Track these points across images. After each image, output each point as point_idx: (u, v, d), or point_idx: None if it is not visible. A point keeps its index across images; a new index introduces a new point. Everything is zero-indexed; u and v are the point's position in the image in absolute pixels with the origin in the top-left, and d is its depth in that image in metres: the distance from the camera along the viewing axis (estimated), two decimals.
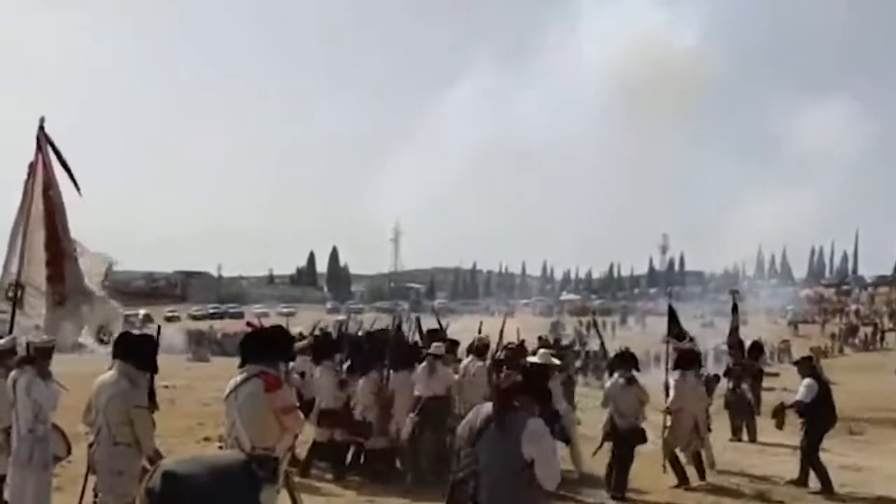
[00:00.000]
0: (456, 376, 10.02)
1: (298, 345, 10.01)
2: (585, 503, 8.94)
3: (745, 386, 14.34)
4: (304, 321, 24.34)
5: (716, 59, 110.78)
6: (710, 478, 10.18)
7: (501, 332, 11.27)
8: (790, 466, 10.51)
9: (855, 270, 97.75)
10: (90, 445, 5.89)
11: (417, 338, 12.28)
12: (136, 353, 5.94)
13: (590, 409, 11.80)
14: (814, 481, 9.86)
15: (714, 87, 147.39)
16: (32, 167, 7.60)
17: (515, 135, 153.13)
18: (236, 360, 5.14)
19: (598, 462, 9.60)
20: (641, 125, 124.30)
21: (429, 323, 13.55)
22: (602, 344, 13.72)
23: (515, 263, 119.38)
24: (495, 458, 4.19)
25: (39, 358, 6.47)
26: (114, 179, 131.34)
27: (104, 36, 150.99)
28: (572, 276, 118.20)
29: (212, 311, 66.21)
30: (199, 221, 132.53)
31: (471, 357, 10.18)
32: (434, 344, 10.26)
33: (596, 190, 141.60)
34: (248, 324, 6.21)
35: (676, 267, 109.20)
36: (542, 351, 9.03)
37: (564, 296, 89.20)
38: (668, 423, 10.21)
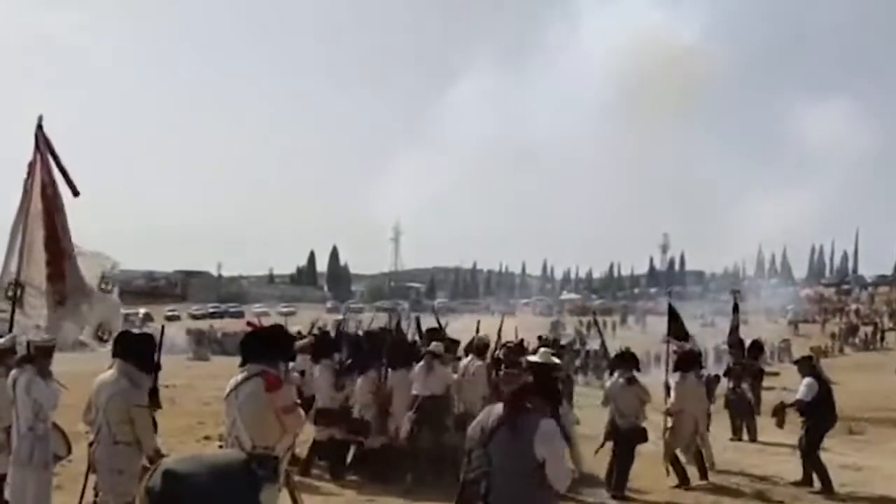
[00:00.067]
0: (455, 375, 10.02)
1: (298, 343, 10.01)
2: (586, 502, 8.94)
3: (745, 385, 14.35)
4: (304, 321, 24.37)
5: (716, 59, 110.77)
6: (711, 477, 10.18)
7: (499, 331, 11.28)
8: (790, 466, 10.52)
9: (855, 270, 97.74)
10: (90, 444, 5.89)
11: (417, 337, 12.29)
12: (136, 351, 5.95)
13: (589, 408, 11.80)
14: (814, 481, 9.87)
15: (714, 87, 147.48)
16: (32, 166, 7.60)
17: (516, 134, 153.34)
18: (236, 360, 5.14)
19: (598, 462, 9.60)
20: (642, 125, 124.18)
21: (429, 322, 13.54)
22: (603, 343, 13.70)
23: (515, 263, 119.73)
24: (507, 458, 4.19)
25: (40, 357, 6.47)
26: (114, 179, 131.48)
27: (104, 36, 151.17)
28: (572, 275, 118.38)
29: (212, 310, 66.19)
30: (199, 221, 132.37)
31: (470, 356, 10.18)
32: (433, 343, 10.26)
33: (596, 189, 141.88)
34: (249, 323, 6.21)
35: (677, 266, 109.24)
36: (542, 350, 9.04)
37: (565, 295, 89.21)
38: (669, 425, 10.21)
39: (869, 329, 47.88)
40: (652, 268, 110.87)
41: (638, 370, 9.95)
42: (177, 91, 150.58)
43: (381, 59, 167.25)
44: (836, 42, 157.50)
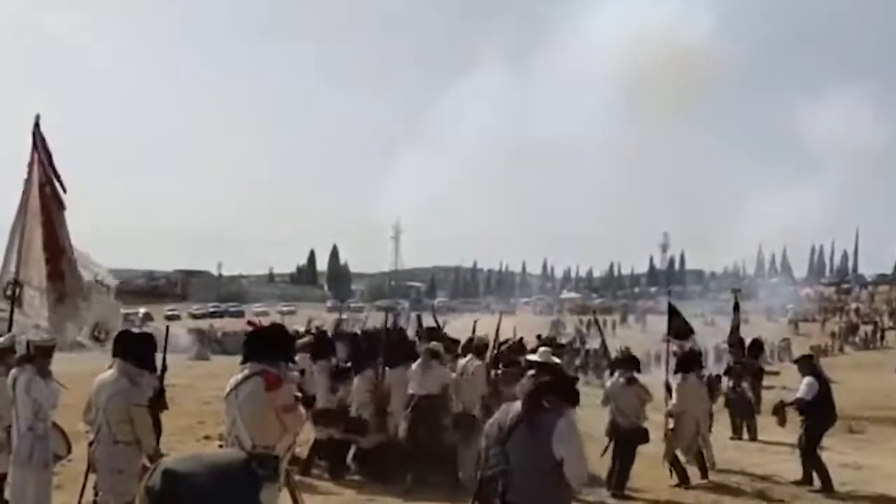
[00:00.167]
0: (454, 375, 10.00)
1: (298, 342, 10.00)
2: (586, 501, 8.93)
3: (745, 384, 14.35)
4: (304, 320, 24.37)
5: (716, 59, 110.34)
6: (711, 476, 10.18)
7: (497, 330, 11.28)
8: (790, 465, 10.52)
9: (855, 269, 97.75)
10: (90, 444, 5.89)
11: (417, 336, 12.27)
12: (136, 351, 5.95)
13: (589, 407, 11.78)
14: (814, 480, 9.87)
15: (714, 87, 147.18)
16: (30, 165, 7.61)
17: (516, 133, 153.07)
18: (237, 359, 5.15)
19: (598, 461, 9.60)
20: (642, 124, 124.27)
21: (430, 321, 13.53)
22: (603, 342, 13.71)
23: (516, 262, 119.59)
24: (525, 456, 4.21)
25: (40, 356, 6.47)
26: (114, 179, 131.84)
27: (104, 36, 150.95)
28: (573, 274, 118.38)
29: (212, 309, 66.25)
30: (199, 221, 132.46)
31: (469, 356, 10.16)
32: (432, 342, 10.25)
33: (596, 188, 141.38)
34: (249, 322, 6.21)
35: (677, 265, 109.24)
36: (541, 349, 9.03)
37: (565, 294, 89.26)
38: (671, 426, 10.21)
39: (869, 328, 47.90)
40: (652, 267, 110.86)
41: (638, 371, 9.95)
42: (177, 91, 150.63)
43: (381, 59, 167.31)
44: (836, 42, 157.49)
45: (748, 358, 15.11)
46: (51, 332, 7.19)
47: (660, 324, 22.51)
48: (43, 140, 7.59)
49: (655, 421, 10.25)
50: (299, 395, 5.10)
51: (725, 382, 14.26)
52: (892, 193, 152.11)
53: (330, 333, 12.86)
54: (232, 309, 67.13)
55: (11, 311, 7.39)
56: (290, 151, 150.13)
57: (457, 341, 11.37)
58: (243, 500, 2.04)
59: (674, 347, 11.38)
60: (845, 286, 76.43)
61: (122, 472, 5.65)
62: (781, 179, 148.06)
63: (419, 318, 13.76)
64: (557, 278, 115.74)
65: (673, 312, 12.01)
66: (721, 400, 13.90)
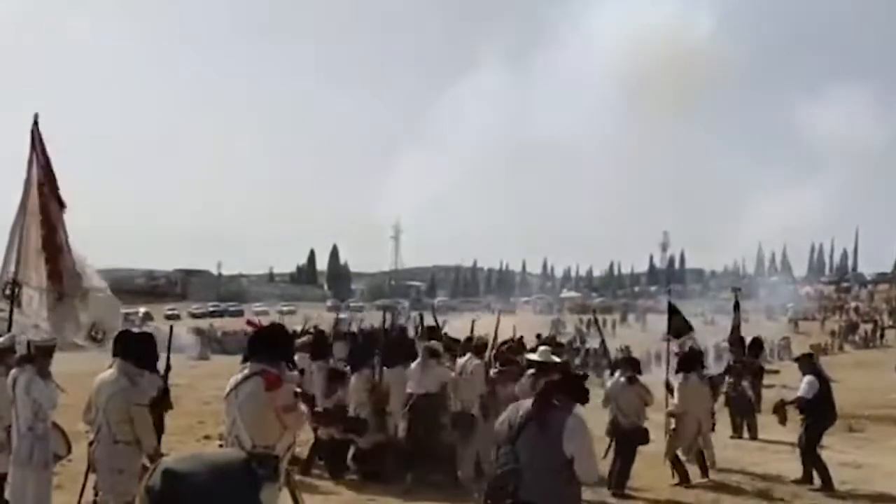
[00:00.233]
0: (453, 374, 10.00)
1: (297, 342, 10.00)
2: (586, 501, 8.91)
3: (745, 383, 14.35)
4: (303, 320, 24.32)
5: (716, 59, 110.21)
6: (711, 475, 10.18)
7: (496, 329, 11.27)
8: (791, 464, 10.52)
9: (855, 268, 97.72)
10: (90, 444, 5.89)
11: (416, 335, 12.26)
12: (136, 351, 5.95)
13: (588, 407, 11.78)
14: (814, 478, 9.87)
15: (714, 86, 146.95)
16: (29, 164, 7.61)
17: (516, 133, 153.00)
18: (237, 359, 5.15)
19: (599, 460, 9.59)
20: (642, 123, 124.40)
21: (430, 321, 13.53)
22: (603, 342, 13.74)
23: (516, 261, 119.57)
24: (536, 455, 4.22)
25: (40, 357, 6.47)
26: (114, 178, 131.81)
27: (104, 36, 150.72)
28: (573, 273, 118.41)
29: (212, 309, 66.31)
30: (199, 221, 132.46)
31: (468, 355, 10.17)
32: (431, 340, 10.25)
33: (596, 188, 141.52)
34: (248, 322, 6.22)
35: (677, 265, 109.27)
36: (541, 348, 9.04)
37: (565, 293, 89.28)
38: (672, 426, 10.21)
39: (869, 327, 47.89)
40: (652, 266, 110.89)
41: (639, 373, 9.94)
42: (177, 91, 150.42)
43: (381, 59, 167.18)
44: (836, 42, 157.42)
45: (748, 357, 15.11)
46: (50, 332, 7.19)
47: (660, 323, 22.52)
48: (41, 139, 7.59)
49: (655, 421, 10.25)
50: (299, 390, 5.10)
51: (726, 381, 14.26)
52: (892, 192, 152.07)
53: (331, 333, 12.84)
54: (232, 308, 67.18)
55: (11, 312, 7.39)
56: (290, 151, 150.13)
57: (457, 340, 11.37)
58: (243, 500, 2.03)
59: (674, 347, 11.39)
60: (845, 285, 76.44)
61: (122, 472, 5.65)
62: (781, 179, 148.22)
63: (420, 317, 13.74)
64: (557, 277, 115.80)
65: (673, 311, 12.02)
66: (721, 399, 13.92)
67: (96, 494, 5.92)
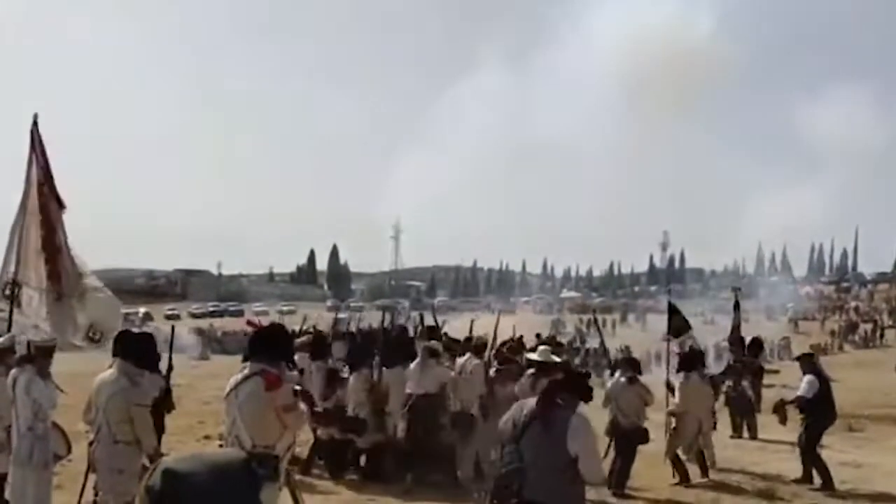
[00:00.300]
0: (452, 373, 9.99)
1: (297, 342, 9.99)
2: (587, 500, 8.93)
3: (745, 383, 14.35)
4: (301, 319, 24.32)
5: (716, 59, 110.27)
6: (711, 475, 10.18)
7: (496, 329, 11.27)
8: (791, 464, 10.52)
9: (855, 267, 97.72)
10: (90, 444, 5.89)
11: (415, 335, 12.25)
12: (136, 351, 5.95)
13: (588, 406, 11.78)
14: (814, 478, 9.87)
15: (714, 86, 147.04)
16: (29, 164, 7.61)
17: (516, 133, 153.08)
18: (237, 359, 5.16)
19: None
20: (642, 123, 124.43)
21: (431, 321, 13.52)
22: (602, 342, 13.78)
23: (516, 261, 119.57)
24: (540, 454, 4.23)
25: (40, 357, 6.47)
26: (114, 178, 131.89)
27: (104, 36, 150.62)
28: (573, 273, 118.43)
29: (212, 309, 66.29)
30: (199, 221, 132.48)
31: (468, 355, 10.17)
32: (431, 340, 10.25)
33: (596, 187, 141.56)
34: (249, 322, 6.22)
35: (677, 264, 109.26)
36: (541, 348, 9.03)
37: (565, 293, 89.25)
38: (673, 425, 10.21)
39: (868, 326, 47.88)
40: (652, 266, 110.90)
41: (639, 373, 9.94)
42: (177, 91, 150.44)
43: (381, 59, 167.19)
44: (836, 42, 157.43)
45: (748, 356, 15.11)
46: (50, 332, 7.18)
47: (660, 323, 22.52)
48: (41, 140, 7.59)
49: (655, 420, 10.25)
50: (299, 387, 5.10)
51: (725, 383, 14.25)
52: (892, 192, 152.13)
53: (330, 333, 12.84)
54: (232, 308, 67.17)
55: (11, 312, 7.39)
56: (290, 151, 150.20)
57: (457, 340, 11.37)
58: (243, 500, 2.04)
59: (674, 347, 11.39)
60: (845, 285, 76.44)
61: (122, 472, 5.65)
62: (781, 179, 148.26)
63: (421, 316, 13.74)
64: (557, 277, 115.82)
65: (673, 311, 12.03)
66: (721, 398, 13.92)
67: (96, 494, 5.92)
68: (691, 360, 10.49)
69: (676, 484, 9.82)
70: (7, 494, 6.48)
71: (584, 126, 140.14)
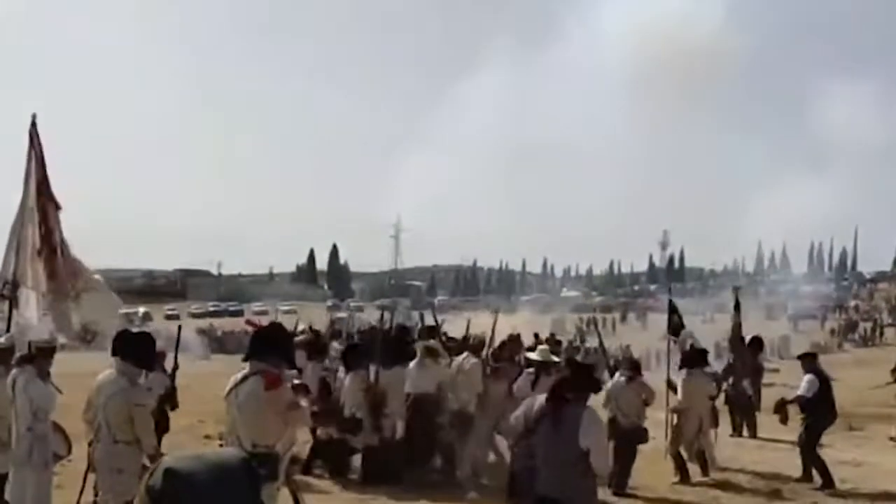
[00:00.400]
0: (450, 372, 9.98)
1: (295, 341, 9.98)
2: None
3: (745, 382, 14.35)
4: (303, 319, 24.32)
5: (716, 59, 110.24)
6: (711, 473, 10.19)
7: (493, 328, 11.28)
8: (790, 462, 10.52)
9: (854, 266, 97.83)
10: (90, 444, 5.89)
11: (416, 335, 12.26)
12: (135, 350, 5.95)
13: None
14: (814, 477, 9.87)
15: (715, 86, 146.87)
16: (27, 164, 7.62)
17: (516, 132, 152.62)
18: (237, 359, 5.16)
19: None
20: (642, 122, 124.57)
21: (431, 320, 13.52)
22: (601, 342, 13.83)
23: (516, 261, 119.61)
24: (552, 450, 4.31)
25: (40, 357, 6.47)
26: (114, 178, 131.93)
27: (104, 36, 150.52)
28: (573, 272, 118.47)
29: (212, 309, 66.30)
30: (199, 219, 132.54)
31: (465, 354, 10.16)
32: (431, 340, 10.25)
33: (596, 187, 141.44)
34: (248, 322, 6.23)
35: (676, 263, 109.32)
36: (540, 347, 9.07)
37: (565, 293, 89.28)
38: (675, 423, 10.21)
39: (868, 325, 47.96)
40: (652, 265, 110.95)
41: (640, 375, 9.93)
42: (177, 91, 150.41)
43: (381, 59, 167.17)
44: (837, 42, 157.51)
45: (748, 355, 15.11)
46: (49, 332, 7.18)
47: (660, 322, 22.51)
48: (39, 140, 7.59)
49: (655, 419, 10.25)
50: (298, 381, 5.11)
51: (725, 384, 14.25)
52: (892, 191, 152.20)
53: (328, 333, 12.85)
54: (232, 308, 67.16)
55: (10, 312, 7.40)
56: (290, 151, 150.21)
57: (454, 340, 11.37)
58: (243, 500, 2.03)
59: (676, 345, 11.39)
60: (845, 283, 76.47)
61: (122, 472, 5.64)
62: (781, 178, 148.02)
63: (421, 316, 13.74)
64: (557, 277, 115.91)
65: (673, 310, 12.04)
66: (721, 397, 13.92)
67: (96, 494, 5.92)
68: (694, 358, 10.49)
69: (677, 482, 9.82)
70: (7, 494, 6.48)
71: (585, 126, 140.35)
